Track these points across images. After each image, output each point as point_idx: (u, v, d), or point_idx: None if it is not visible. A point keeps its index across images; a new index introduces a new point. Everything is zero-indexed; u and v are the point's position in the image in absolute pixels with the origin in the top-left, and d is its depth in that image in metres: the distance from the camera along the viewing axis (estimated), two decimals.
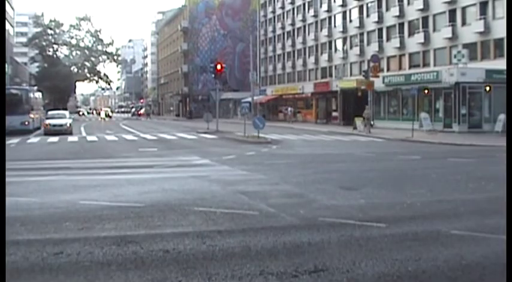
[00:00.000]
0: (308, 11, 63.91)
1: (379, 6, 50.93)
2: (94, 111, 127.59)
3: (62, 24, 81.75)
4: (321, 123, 49.02)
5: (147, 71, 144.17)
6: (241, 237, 6.25)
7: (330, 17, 59.63)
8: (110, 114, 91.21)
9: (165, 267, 5.06)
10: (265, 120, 27.70)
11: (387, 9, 49.82)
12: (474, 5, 39.81)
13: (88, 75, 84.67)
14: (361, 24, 53.50)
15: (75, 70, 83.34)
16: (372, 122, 32.98)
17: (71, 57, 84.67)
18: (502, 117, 30.15)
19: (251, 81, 50.51)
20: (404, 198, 9.03)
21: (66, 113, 38.99)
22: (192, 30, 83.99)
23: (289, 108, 54.52)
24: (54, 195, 9.51)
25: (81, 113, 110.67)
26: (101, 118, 78.16)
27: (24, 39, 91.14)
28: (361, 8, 53.87)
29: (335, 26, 58.69)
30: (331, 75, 56.37)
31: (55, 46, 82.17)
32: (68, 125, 33.19)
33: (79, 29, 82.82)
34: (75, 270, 4.98)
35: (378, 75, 35.25)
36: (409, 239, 6.21)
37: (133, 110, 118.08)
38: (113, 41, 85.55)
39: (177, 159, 16.43)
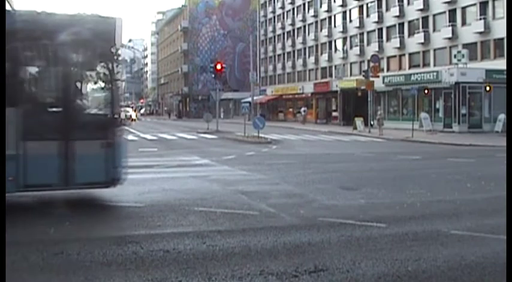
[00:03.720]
0: (308, 11, 63.92)
1: (379, 6, 50.94)
2: None
3: None
4: (321, 123, 49.01)
5: (147, 71, 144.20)
6: (241, 237, 6.25)
7: (330, 17, 59.63)
8: (134, 116, 60.14)
9: (165, 267, 5.06)
10: (265, 120, 27.70)
11: (387, 9, 49.83)
12: (474, 5, 39.82)
13: None
14: (361, 24, 53.50)
15: None
16: (382, 123, 32.75)
17: None
18: (502, 117, 30.16)
19: (251, 81, 50.54)
20: (404, 198, 9.03)
21: None
22: (192, 30, 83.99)
23: (303, 108, 52.76)
24: (54, 195, 9.49)
25: None
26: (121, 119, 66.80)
27: None
28: (361, 8, 53.88)
29: (335, 26, 58.69)
30: (331, 75, 56.37)
31: None
32: None
33: None
34: (75, 270, 4.98)
35: (378, 75, 35.25)
36: (409, 239, 6.22)
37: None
38: None
39: (177, 159, 16.43)
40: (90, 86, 9.01)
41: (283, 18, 70.60)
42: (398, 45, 48.08)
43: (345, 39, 56.80)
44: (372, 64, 35.09)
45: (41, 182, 7.92)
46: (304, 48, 64.68)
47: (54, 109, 8.45)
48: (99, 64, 8.64)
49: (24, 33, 7.78)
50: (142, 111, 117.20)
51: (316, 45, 61.92)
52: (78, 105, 8.61)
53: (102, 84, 8.76)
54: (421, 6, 44.46)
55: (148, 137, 29.29)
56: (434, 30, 44.23)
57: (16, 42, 7.66)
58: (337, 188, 10.34)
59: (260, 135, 25.26)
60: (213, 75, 34.55)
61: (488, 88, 32.28)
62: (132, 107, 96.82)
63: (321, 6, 61.14)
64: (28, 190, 8.06)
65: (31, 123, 7.83)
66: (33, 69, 8.55)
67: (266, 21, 76.09)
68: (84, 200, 8.72)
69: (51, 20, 8.25)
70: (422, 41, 44.74)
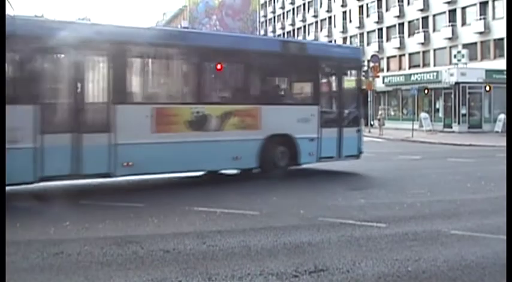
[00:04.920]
0: (308, 11, 63.93)
1: (379, 6, 50.95)
2: None
3: None
4: None
5: None
6: (241, 237, 6.25)
7: (330, 17, 59.64)
8: None
9: (165, 267, 5.06)
10: None
11: (387, 9, 49.84)
12: (474, 5, 39.83)
13: None
14: (361, 24, 53.50)
15: None
16: (383, 123, 32.78)
17: None
18: (502, 117, 30.15)
19: None
20: (404, 198, 9.03)
21: None
22: (193, 30, 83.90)
23: None
24: (55, 195, 9.49)
25: None
26: None
27: None
28: (361, 8, 53.88)
29: (335, 26, 58.70)
30: None
31: None
32: None
33: None
34: (75, 270, 4.98)
35: (378, 75, 35.24)
36: (409, 239, 6.21)
37: None
38: None
39: None
40: (350, 93, 13.37)
41: (283, 18, 70.58)
42: (398, 45, 48.08)
43: (345, 39, 56.77)
44: (372, 64, 35.07)
45: (328, 155, 12.19)
46: None
47: (335, 108, 12.76)
48: (356, 78, 13.29)
49: (324, 63, 12.45)
50: None
51: None
52: (347, 105, 13.02)
53: (356, 92, 13.32)
54: (421, 6, 44.47)
55: None
56: (434, 30, 44.24)
57: (324, 69, 12.61)
58: (337, 188, 10.34)
59: None
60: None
61: (488, 88, 32.28)
62: None
63: (321, 6, 61.15)
64: (320, 161, 12.20)
65: (325, 117, 12.15)
66: (326, 84, 13.00)
67: (266, 21, 76.06)
68: (84, 200, 8.73)
69: (336, 49, 14.29)
70: (422, 41, 44.75)
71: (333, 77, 12.85)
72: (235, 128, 10.68)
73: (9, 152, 7.42)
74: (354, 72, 13.32)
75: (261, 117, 11.04)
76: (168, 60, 10.75)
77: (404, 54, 48.01)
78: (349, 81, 13.28)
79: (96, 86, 9.34)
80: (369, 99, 35.27)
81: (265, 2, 76.61)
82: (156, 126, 9.68)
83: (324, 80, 12.86)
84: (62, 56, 9.06)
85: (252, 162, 11.03)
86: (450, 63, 38.34)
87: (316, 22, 62.40)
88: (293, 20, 67.60)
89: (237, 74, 11.94)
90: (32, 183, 8.73)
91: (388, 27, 50.04)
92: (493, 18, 38.18)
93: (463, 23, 41.11)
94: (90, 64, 9.23)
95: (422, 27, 45.08)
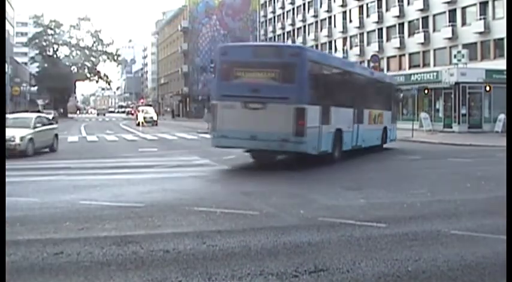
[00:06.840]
0: (308, 11, 63.93)
1: (379, 6, 50.95)
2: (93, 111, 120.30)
3: (61, 25, 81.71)
4: None
5: (147, 71, 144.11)
6: (241, 237, 6.25)
7: (330, 17, 59.65)
8: (155, 118, 50.42)
9: (165, 267, 5.06)
10: None
11: (387, 9, 49.84)
12: (474, 5, 39.83)
13: (88, 75, 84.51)
14: (361, 24, 53.51)
15: (75, 70, 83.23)
16: None
17: (71, 57, 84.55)
18: (502, 117, 30.15)
19: None
20: (404, 198, 9.04)
21: (32, 117, 19.86)
22: (192, 30, 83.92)
23: None
24: (54, 195, 9.51)
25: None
26: (139, 123, 46.17)
27: (24, 39, 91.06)
28: (361, 8, 53.89)
29: (335, 26, 58.71)
30: None
31: (55, 46, 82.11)
32: (19, 140, 17.01)
33: (79, 29, 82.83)
34: (75, 270, 4.98)
35: None
36: (409, 239, 6.21)
37: (127, 109, 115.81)
38: (112, 41, 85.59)
39: (177, 159, 16.43)
40: (395, 103, 22.98)
41: (283, 18, 70.59)
42: (398, 45, 48.08)
43: (345, 39, 56.81)
44: (372, 64, 35.10)
45: (391, 139, 21.73)
46: None
47: (392, 112, 21.82)
48: (396, 95, 23.41)
49: (389, 85, 22.49)
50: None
51: (316, 45, 61.93)
52: (394, 110, 22.75)
53: (396, 102, 23.99)
54: (421, 6, 44.47)
55: (149, 137, 29.31)
56: (434, 30, 44.24)
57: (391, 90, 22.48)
58: (337, 188, 10.34)
59: None
60: (213, 75, 34.51)
61: (488, 88, 32.28)
62: (151, 105, 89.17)
63: (321, 6, 61.15)
64: (389, 142, 21.32)
65: (392, 117, 21.71)
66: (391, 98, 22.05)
67: (266, 21, 76.07)
68: (84, 200, 8.73)
69: (392, 79, 25.30)
70: (422, 41, 44.75)
71: (391, 94, 22.00)
72: (378, 122, 19.49)
73: (341, 132, 15.38)
74: (395, 92, 23.20)
75: (383, 117, 20.05)
76: (377, 91, 20.13)
77: (404, 54, 48.02)
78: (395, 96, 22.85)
79: (369, 101, 18.58)
80: None
81: (265, 2, 76.63)
82: (368, 120, 18.17)
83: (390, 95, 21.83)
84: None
85: (380, 141, 19.79)
86: (450, 63, 38.33)
87: (316, 22, 62.39)
88: (293, 20, 67.59)
89: (380, 95, 20.60)
90: (350, 150, 16.30)
91: (388, 27, 50.05)
92: (493, 18, 38.18)
93: (463, 23, 41.11)
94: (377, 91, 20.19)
95: (422, 27, 45.09)
